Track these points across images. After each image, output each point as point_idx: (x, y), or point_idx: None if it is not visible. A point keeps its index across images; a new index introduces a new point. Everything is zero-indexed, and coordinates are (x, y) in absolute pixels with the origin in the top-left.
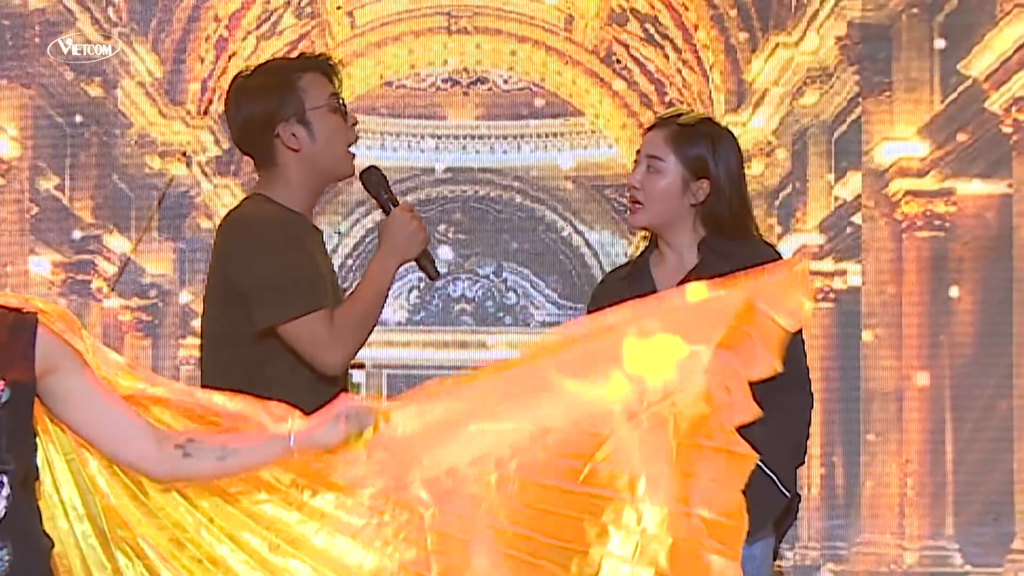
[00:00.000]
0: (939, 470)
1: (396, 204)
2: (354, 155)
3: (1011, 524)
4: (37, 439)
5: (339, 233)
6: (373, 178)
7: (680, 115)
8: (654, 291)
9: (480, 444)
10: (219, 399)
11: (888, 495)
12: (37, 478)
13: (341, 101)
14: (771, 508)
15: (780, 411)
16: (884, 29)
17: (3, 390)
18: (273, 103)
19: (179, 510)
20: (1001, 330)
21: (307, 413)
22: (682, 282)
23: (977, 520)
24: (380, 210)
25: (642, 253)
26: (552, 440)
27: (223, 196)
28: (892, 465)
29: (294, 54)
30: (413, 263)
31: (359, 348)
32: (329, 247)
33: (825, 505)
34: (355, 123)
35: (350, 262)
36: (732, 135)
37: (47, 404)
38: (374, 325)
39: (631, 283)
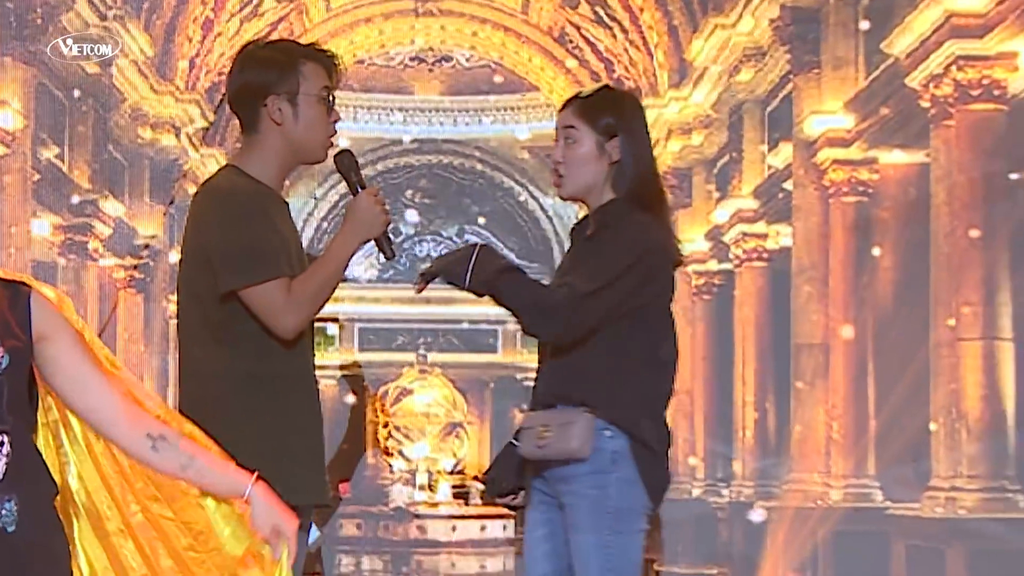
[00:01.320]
0: (862, 415)
1: (364, 187)
2: (331, 144)
3: (927, 464)
4: (40, 399)
5: (315, 199)
6: (345, 161)
7: (581, 92)
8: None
9: None
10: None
11: (815, 438)
12: (36, 434)
13: (332, 97)
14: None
15: (636, 370)
16: (813, 12)
17: (2, 356)
18: (272, 76)
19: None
20: (919, 287)
21: (271, 371)
22: (579, 252)
23: (896, 460)
24: (348, 188)
25: (576, 224)
26: None
27: (209, 164)
28: (819, 410)
29: (274, 35)
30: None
31: (314, 315)
32: (305, 211)
33: (758, 447)
34: (337, 119)
35: (324, 224)
36: (635, 97)
37: (38, 367)
38: (330, 295)
39: (568, 255)
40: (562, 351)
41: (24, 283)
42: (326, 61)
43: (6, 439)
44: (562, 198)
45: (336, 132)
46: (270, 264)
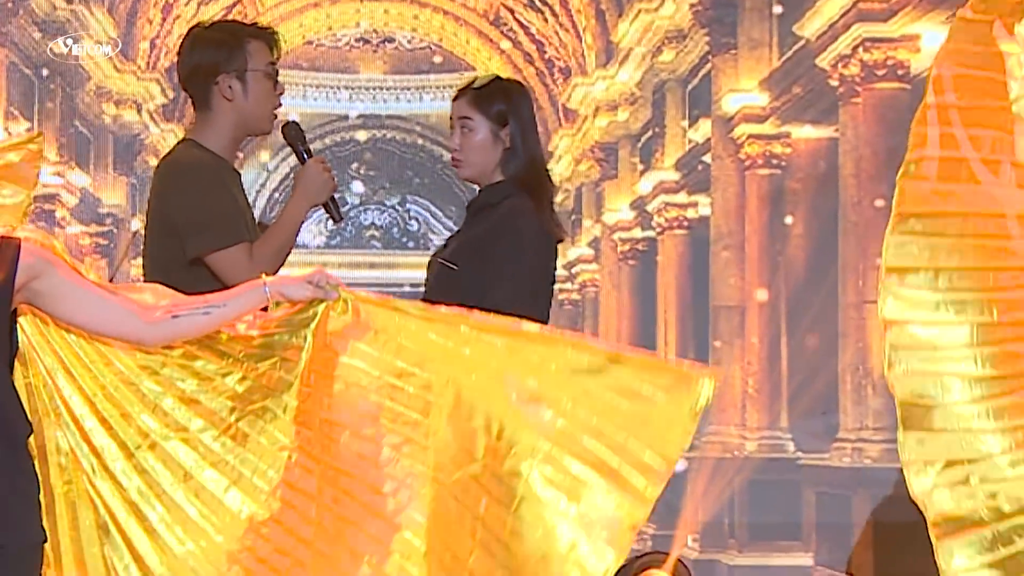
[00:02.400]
0: (776, 372)
1: (311, 155)
2: (276, 116)
3: (836, 417)
4: (26, 341)
5: (267, 171)
6: (292, 131)
7: (473, 82)
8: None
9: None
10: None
11: (732, 393)
12: (12, 365)
13: (276, 71)
14: None
15: None
16: None
17: None
18: (221, 55)
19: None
20: (828, 253)
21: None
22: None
23: (807, 414)
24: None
25: (471, 200)
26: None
27: (168, 139)
28: (736, 368)
29: (230, 17)
30: (321, 207)
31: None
32: (258, 182)
33: None
34: (282, 92)
35: (276, 195)
36: (523, 87)
37: (38, 305)
38: (287, 256)
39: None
40: None
41: (16, 236)
42: (268, 38)
43: None
44: (463, 179)
45: (281, 104)
46: (232, 230)
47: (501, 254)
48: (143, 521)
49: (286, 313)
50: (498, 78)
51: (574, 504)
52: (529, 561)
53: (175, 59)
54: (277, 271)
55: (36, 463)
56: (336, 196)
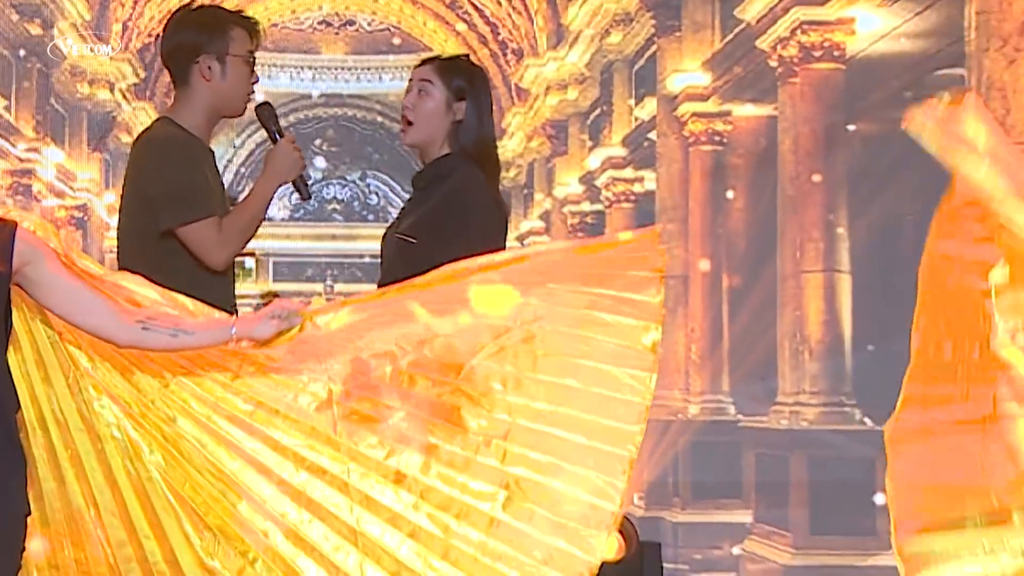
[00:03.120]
0: (717, 338)
1: (282, 135)
2: (250, 100)
3: (774, 382)
4: (19, 322)
5: (234, 147)
6: (266, 112)
7: (440, 55)
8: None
9: (378, 344)
10: (180, 298)
11: (676, 359)
12: (6, 348)
13: (254, 59)
14: None
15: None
16: None
17: None
18: (204, 37)
19: (145, 381)
20: (768, 225)
21: (203, 300)
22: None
23: (747, 378)
24: (267, 136)
25: (416, 174)
26: (438, 344)
27: (140, 116)
28: (680, 335)
29: (198, 2)
30: (290, 184)
31: (240, 250)
32: (226, 158)
33: None
34: (256, 80)
35: (242, 169)
36: (485, 72)
37: (28, 290)
38: (255, 232)
39: (410, 202)
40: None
41: (10, 220)
42: (251, 27)
43: None
44: (405, 144)
45: (254, 90)
46: (203, 205)
47: (451, 225)
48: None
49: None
50: (467, 57)
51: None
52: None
53: (147, 40)
54: (246, 245)
55: (37, 435)
56: (305, 175)
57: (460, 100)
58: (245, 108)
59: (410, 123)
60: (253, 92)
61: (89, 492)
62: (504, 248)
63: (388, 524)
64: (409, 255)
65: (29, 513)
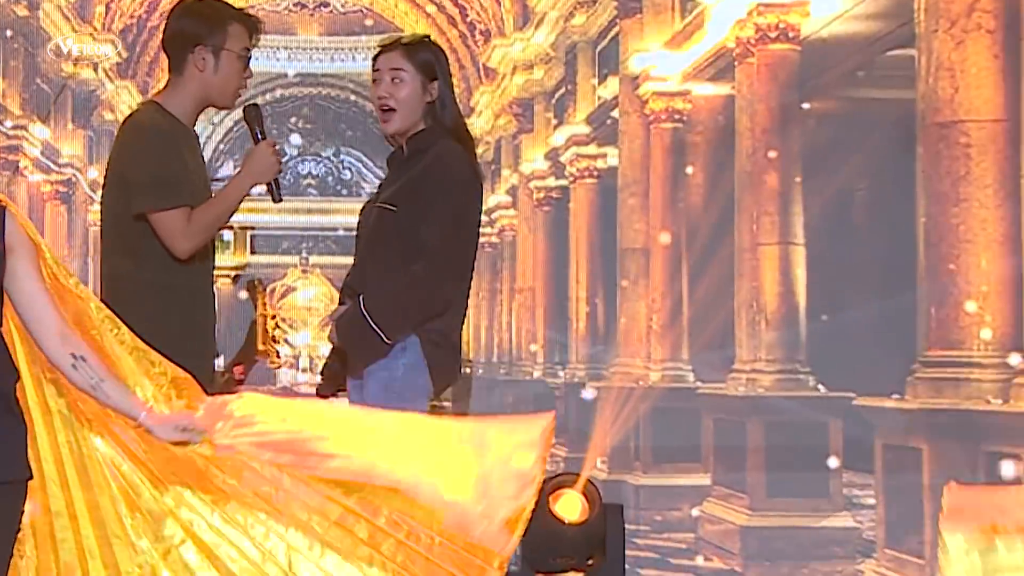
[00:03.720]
0: (677, 308)
1: (265, 138)
2: (239, 95)
3: (731, 350)
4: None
5: (213, 124)
6: (252, 113)
7: (401, 38)
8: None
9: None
10: (125, 343)
11: (638, 328)
12: (2, 326)
13: (249, 56)
14: (372, 351)
15: (399, 277)
16: None
17: None
18: (203, 29)
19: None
20: (725, 199)
21: (171, 282)
22: (395, 173)
23: (706, 347)
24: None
25: (392, 151)
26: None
27: (122, 95)
28: (641, 305)
29: None
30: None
31: (206, 242)
32: (205, 134)
33: (589, 336)
34: (250, 76)
35: (221, 146)
36: (443, 49)
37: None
38: (223, 224)
39: (387, 177)
40: (367, 251)
41: (2, 202)
42: (251, 25)
43: None
44: (387, 133)
45: (247, 86)
46: (175, 194)
47: (432, 194)
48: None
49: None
50: (427, 37)
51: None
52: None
53: (128, 21)
54: (209, 239)
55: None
56: (279, 179)
57: (432, 80)
58: (234, 102)
59: (391, 110)
60: (245, 87)
61: (36, 457)
62: (480, 216)
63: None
64: (391, 223)
65: (30, 477)
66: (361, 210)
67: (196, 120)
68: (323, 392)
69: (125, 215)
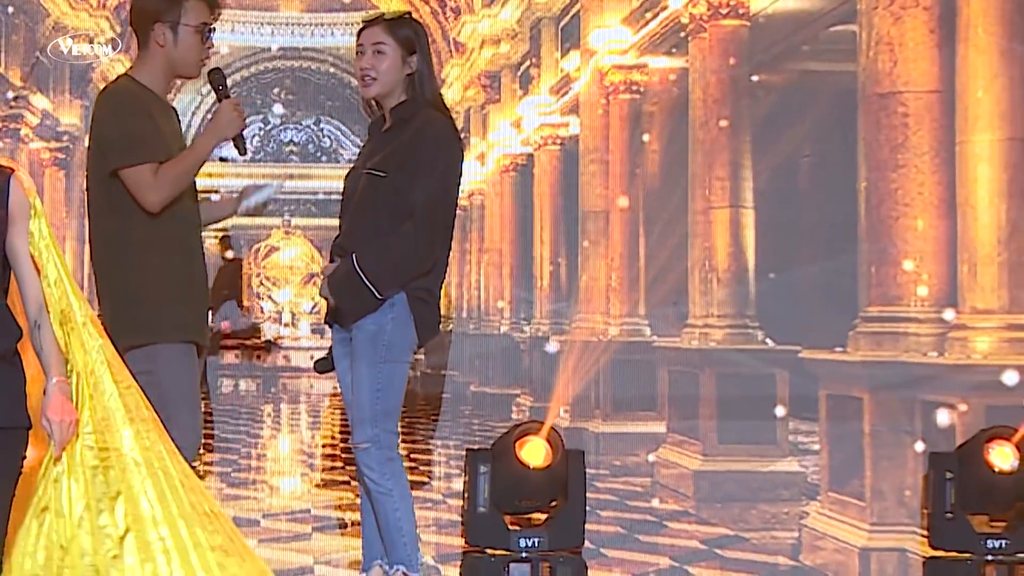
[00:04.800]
0: (635, 267)
1: (228, 97)
2: (203, 65)
3: (686, 306)
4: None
5: (201, 95)
6: (215, 77)
7: (384, 15)
8: (369, 150)
9: None
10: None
11: (598, 286)
12: (7, 289)
13: (209, 30)
14: (363, 306)
15: (390, 237)
16: None
17: None
18: (162, 5)
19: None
20: (680, 166)
21: (156, 236)
22: (378, 142)
23: (662, 303)
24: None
25: (373, 121)
26: None
27: (116, 67)
28: (601, 264)
29: None
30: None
31: (175, 195)
32: (193, 105)
33: (552, 293)
34: (211, 46)
35: (208, 115)
36: (424, 25)
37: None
38: (191, 179)
39: (366, 138)
40: (359, 213)
41: (9, 168)
42: (209, 1)
43: None
44: (367, 97)
45: (209, 56)
46: (143, 151)
47: (420, 161)
48: None
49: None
50: (408, 15)
51: None
52: None
53: (121, 0)
54: (181, 189)
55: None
56: (244, 134)
57: (412, 54)
58: (199, 72)
59: (373, 78)
60: (207, 58)
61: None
62: (462, 176)
63: None
64: (381, 188)
65: (30, 427)
66: (346, 176)
67: (169, 89)
68: (321, 368)
69: (103, 176)
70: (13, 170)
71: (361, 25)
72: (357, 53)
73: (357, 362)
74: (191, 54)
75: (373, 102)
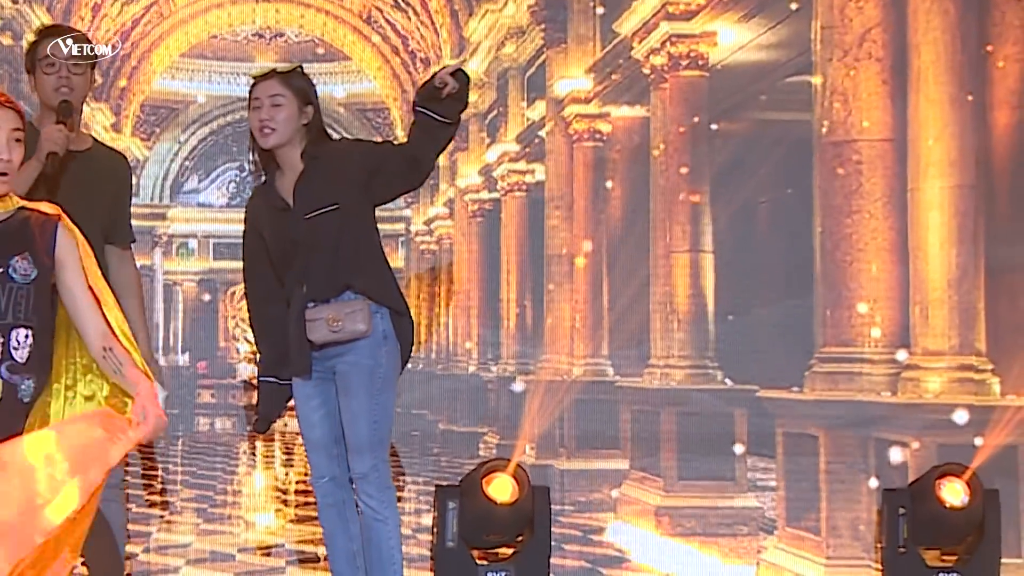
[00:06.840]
0: (598, 309)
1: (64, 123)
2: (61, 93)
3: (647, 348)
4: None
5: (179, 143)
6: (61, 107)
7: (275, 69)
8: (286, 204)
9: None
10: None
11: (563, 327)
12: (53, 333)
13: (53, 61)
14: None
15: (377, 255)
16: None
17: (33, 270)
18: (27, 55)
19: None
20: (642, 211)
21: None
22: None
23: (624, 344)
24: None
25: (266, 177)
26: None
27: (97, 116)
28: (566, 306)
29: (146, 17)
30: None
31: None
32: (172, 151)
33: (519, 334)
34: (60, 75)
35: (187, 162)
36: (310, 78)
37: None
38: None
39: (266, 198)
40: (329, 251)
41: (56, 214)
42: (46, 35)
43: (31, 334)
44: (265, 147)
45: (64, 84)
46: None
47: (353, 157)
48: None
49: None
50: (300, 67)
51: None
52: None
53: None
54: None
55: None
56: (58, 152)
57: (307, 104)
58: (56, 100)
59: (272, 129)
60: (60, 88)
61: None
62: None
63: None
64: (339, 219)
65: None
66: (291, 226)
67: (52, 120)
68: (263, 430)
69: None
70: (60, 216)
71: (252, 80)
72: (252, 108)
73: (353, 396)
74: (45, 90)
75: (258, 161)
